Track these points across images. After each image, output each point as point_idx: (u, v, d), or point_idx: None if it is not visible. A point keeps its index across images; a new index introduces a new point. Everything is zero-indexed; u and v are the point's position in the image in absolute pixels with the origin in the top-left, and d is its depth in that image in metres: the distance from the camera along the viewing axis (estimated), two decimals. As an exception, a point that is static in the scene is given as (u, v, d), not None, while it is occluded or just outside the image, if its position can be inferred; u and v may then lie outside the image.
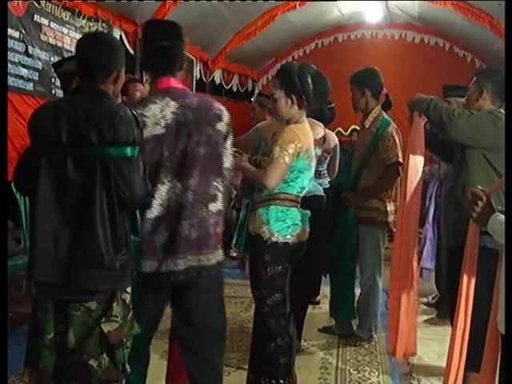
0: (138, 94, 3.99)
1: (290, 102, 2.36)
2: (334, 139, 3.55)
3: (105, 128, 1.76)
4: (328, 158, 3.54)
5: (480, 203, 1.77)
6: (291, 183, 2.37)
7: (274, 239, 2.35)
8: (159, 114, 1.88)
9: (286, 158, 2.28)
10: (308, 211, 2.53)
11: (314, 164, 2.47)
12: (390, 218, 3.30)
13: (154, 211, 1.89)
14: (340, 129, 7.88)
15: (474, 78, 2.69)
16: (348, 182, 3.38)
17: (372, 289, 3.36)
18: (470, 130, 2.46)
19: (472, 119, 2.46)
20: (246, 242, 3.22)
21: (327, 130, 3.47)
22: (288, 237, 2.37)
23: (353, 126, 7.10)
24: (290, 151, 2.29)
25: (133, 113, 1.89)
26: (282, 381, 2.43)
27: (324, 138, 3.35)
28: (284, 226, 2.37)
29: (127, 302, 1.93)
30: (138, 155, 1.85)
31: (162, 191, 1.90)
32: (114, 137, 1.77)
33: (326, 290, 4.45)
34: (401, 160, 3.21)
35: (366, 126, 3.32)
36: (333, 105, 3.59)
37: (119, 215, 1.83)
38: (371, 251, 3.32)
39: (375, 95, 3.32)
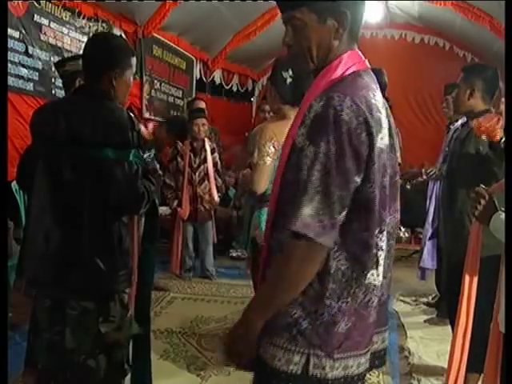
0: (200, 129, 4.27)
1: (272, 93, 2.40)
2: None
3: (99, 129, 1.77)
4: None
5: (482, 201, 1.78)
6: None
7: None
8: (384, 112, 1.24)
9: (266, 159, 2.29)
10: None
11: None
12: None
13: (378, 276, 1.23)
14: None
15: (462, 75, 2.65)
16: None
17: None
18: None
19: None
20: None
21: None
22: None
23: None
24: (269, 151, 2.29)
25: (129, 115, 1.89)
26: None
27: None
28: None
29: (125, 302, 1.93)
30: (133, 158, 1.84)
31: (384, 244, 1.24)
32: (107, 138, 1.77)
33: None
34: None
35: None
36: None
37: (112, 217, 1.83)
38: None
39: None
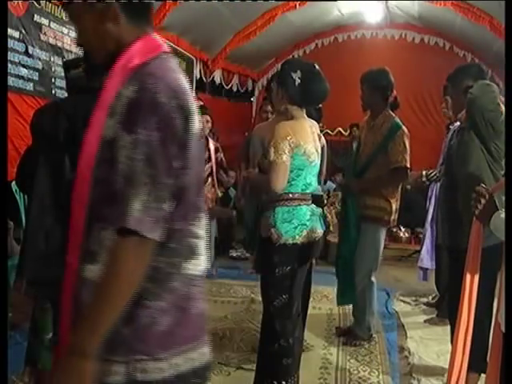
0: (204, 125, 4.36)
1: (280, 94, 2.40)
2: (321, 140, 3.53)
3: None
4: None
5: (483, 200, 1.79)
6: (293, 182, 2.37)
7: (282, 241, 2.35)
8: (192, 97, 1.16)
9: (284, 157, 2.29)
10: (320, 209, 2.53)
11: (316, 160, 2.46)
12: (392, 217, 3.33)
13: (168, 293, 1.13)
14: (340, 129, 7.91)
15: (449, 84, 2.73)
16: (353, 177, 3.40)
17: (368, 287, 3.37)
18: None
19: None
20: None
21: None
22: (296, 237, 2.36)
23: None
24: (286, 149, 2.29)
25: None
26: (284, 382, 2.43)
27: (319, 136, 3.34)
28: (291, 226, 2.36)
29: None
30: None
31: (203, 232, 1.20)
32: None
33: (325, 290, 4.45)
34: (408, 165, 3.24)
35: (378, 125, 3.31)
36: (320, 106, 3.56)
37: None
38: (372, 249, 3.33)
39: (386, 95, 3.31)
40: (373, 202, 3.28)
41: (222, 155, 4.90)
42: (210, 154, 4.75)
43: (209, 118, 4.73)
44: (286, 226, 2.36)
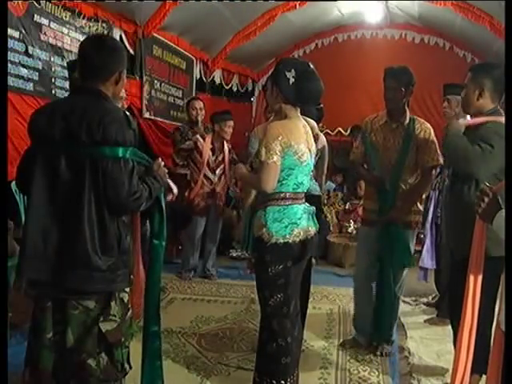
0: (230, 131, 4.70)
1: (274, 93, 2.40)
2: (322, 140, 3.45)
3: (95, 127, 1.78)
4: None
5: (486, 199, 1.78)
6: (284, 181, 2.36)
7: (273, 240, 2.35)
8: None
9: (274, 157, 2.28)
10: (313, 207, 2.53)
11: (308, 159, 2.44)
12: None
13: None
14: (340, 129, 7.90)
15: (469, 75, 2.61)
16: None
17: (400, 297, 3.35)
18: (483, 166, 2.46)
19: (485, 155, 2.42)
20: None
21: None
22: (287, 236, 2.36)
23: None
24: (277, 149, 2.28)
25: (126, 114, 1.90)
26: (283, 381, 2.43)
27: (318, 136, 3.32)
28: (281, 226, 2.36)
29: (125, 301, 1.94)
30: (130, 156, 1.85)
31: None
32: (103, 136, 1.79)
33: (325, 290, 4.46)
34: (442, 162, 3.19)
35: (403, 126, 3.18)
36: (321, 105, 3.50)
37: (109, 216, 1.83)
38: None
39: (411, 94, 3.20)
40: (412, 206, 3.20)
41: (234, 155, 4.99)
42: (224, 156, 4.83)
43: (232, 123, 4.80)
44: (277, 225, 2.36)
